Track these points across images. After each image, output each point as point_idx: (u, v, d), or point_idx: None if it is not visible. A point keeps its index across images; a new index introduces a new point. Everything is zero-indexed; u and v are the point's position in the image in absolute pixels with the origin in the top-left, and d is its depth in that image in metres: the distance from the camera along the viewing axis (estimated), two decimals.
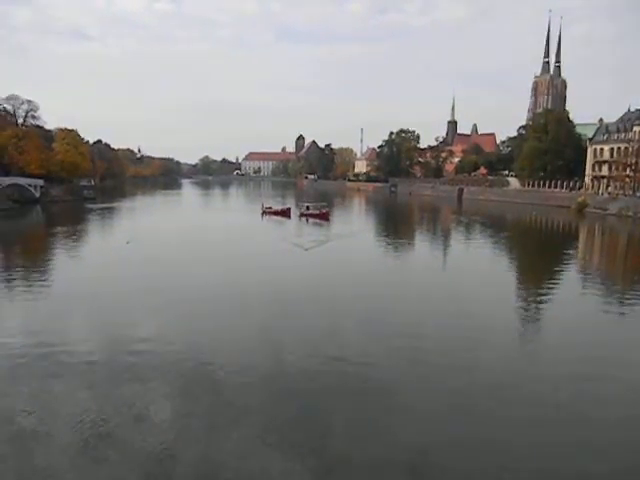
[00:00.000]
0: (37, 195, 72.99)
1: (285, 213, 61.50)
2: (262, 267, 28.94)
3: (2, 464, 9.75)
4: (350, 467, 9.81)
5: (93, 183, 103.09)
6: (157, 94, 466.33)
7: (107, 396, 12.38)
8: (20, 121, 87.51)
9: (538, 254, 41.24)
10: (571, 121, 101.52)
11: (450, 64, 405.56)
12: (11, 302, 21.61)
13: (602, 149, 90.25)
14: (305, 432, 11.03)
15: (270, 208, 63.36)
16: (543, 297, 24.20)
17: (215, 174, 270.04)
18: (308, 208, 60.03)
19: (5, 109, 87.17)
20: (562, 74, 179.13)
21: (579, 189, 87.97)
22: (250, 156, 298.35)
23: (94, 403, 11.97)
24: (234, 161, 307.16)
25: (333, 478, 9.59)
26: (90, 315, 19.36)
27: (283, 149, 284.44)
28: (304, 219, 56.88)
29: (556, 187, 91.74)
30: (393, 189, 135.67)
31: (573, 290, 26.29)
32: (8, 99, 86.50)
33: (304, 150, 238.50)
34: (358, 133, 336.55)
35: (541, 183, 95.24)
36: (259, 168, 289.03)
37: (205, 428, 11.05)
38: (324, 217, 57.87)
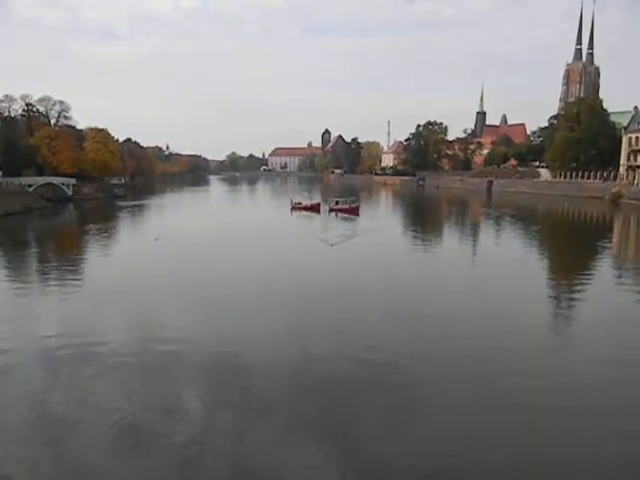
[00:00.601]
0: (70, 193, 74.78)
1: (314, 208, 61.54)
2: (289, 263, 28.94)
3: (38, 456, 9.99)
4: (379, 460, 9.73)
5: (123, 181, 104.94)
6: (185, 92, 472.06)
7: (138, 391, 12.60)
8: (53, 121, 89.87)
9: (570, 247, 40.24)
10: (605, 109, 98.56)
11: (479, 54, 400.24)
12: (46, 299, 22.21)
13: (637, 138, 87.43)
14: (333, 426, 11.00)
15: (299, 203, 63.54)
16: (576, 291, 23.56)
17: (242, 170, 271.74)
18: (337, 203, 59.63)
19: (38, 111, 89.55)
20: (595, 61, 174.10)
21: (613, 179, 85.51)
22: (276, 152, 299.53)
23: (125, 398, 12.17)
24: (261, 157, 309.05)
25: (361, 472, 9.52)
26: (121, 311, 19.69)
27: (309, 144, 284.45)
28: (333, 214, 56.67)
29: (589, 178, 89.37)
30: (421, 182, 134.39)
31: (607, 284, 25.52)
32: (41, 100, 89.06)
33: (330, 145, 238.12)
34: (385, 126, 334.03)
35: (573, 174, 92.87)
36: (285, 163, 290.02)
37: (234, 422, 11.14)
38: (354, 212, 57.48)
